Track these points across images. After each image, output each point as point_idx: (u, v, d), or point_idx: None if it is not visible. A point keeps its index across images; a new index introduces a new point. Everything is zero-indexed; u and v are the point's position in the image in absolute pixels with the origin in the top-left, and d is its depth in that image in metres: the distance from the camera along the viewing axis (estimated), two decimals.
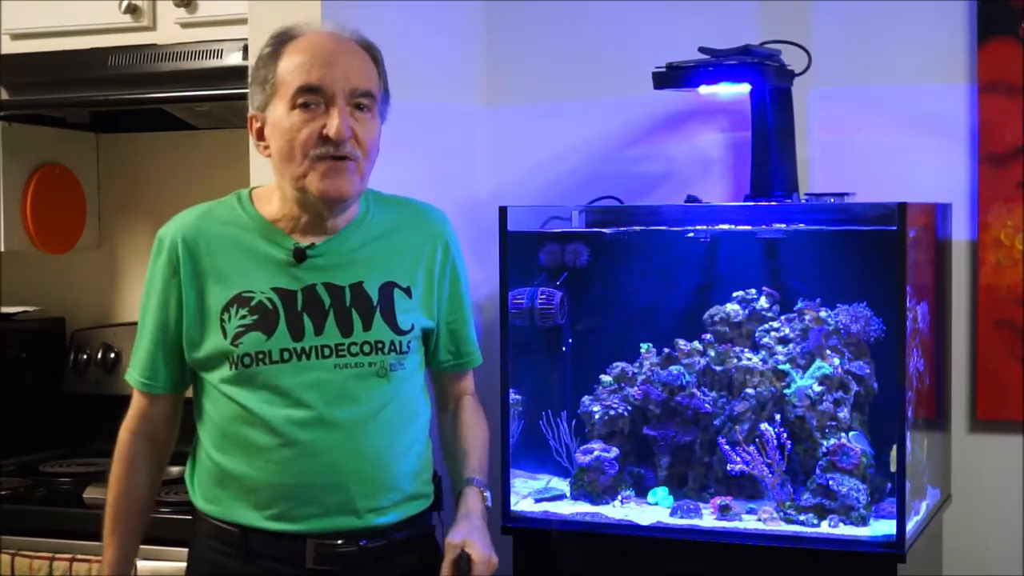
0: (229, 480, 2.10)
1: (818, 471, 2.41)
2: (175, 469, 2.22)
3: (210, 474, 2.13)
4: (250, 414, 2.07)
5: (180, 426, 2.24)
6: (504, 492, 2.53)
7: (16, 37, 2.98)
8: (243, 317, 2.08)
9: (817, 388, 2.47)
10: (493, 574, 2.11)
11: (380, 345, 2.11)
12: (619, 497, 2.57)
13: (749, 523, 2.42)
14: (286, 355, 2.07)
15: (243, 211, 2.16)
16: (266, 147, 2.10)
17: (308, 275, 2.11)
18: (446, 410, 2.34)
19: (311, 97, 2.04)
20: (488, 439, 2.33)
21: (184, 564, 2.21)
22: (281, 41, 2.09)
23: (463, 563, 2.08)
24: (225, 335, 2.08)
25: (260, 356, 2.07)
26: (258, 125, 2.11)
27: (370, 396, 2.10)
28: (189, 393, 2.21)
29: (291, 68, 2.05)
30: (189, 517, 2.20)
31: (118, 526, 2.19)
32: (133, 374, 2.19)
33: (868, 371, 2.52)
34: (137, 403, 2.21)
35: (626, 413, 2.62)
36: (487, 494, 2.21)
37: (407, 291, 2.16)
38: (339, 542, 2.08)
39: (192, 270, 2.11)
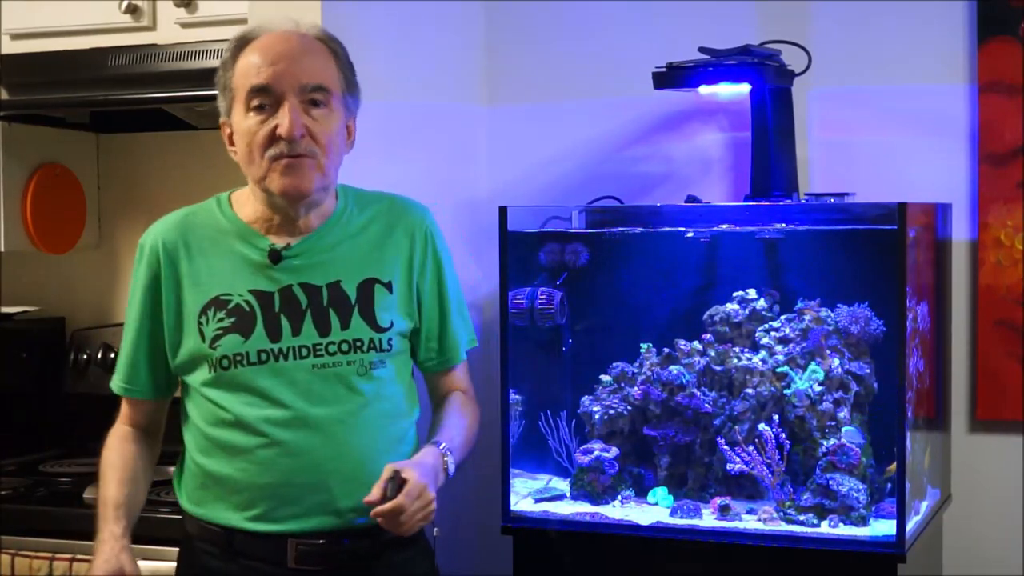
0: (212, 482, 2.10)
1: (818, 471, 2.41)
2: (171, 469, 2.22)
3: (194, 477, 2.13)
4: (230, 416, 2.07)
5: (166, 430, 2.25)
6: (504, 492, 2.53)
7: (16, 37, 2.98)
8: (220, 320, 2.09)
9: (817, 388, 2.47)
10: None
11: (359, 343, 2.11)
12: (619, 497, 2.56)
13: (749, 523, 2.42)
14: (264, 356, 2.07)
15: (221, 214, 2.17)
16: (236, 152, 2.12)
17: (285, 276, 2.11)
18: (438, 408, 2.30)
19: (263, 98, 2.05)
20: (471, 428, 2.24)
21: None
22: (238, 46, 2.10)
23: (393, 485, 1.97)
24: (203, 338, 2.09)
25: (238, 358, 2.07)
26: (228, 131, 2.13)
27: (350, 395, 2.09)
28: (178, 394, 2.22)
29: (243, 71, 2.07)
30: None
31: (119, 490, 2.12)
32: (116, 380, 2.21)
33: (868, 371, 2.52)
34: (122, 411, 2.23)
35: (626, 413, 2.62)
36: (449, 459, 2.11)
37: (388, 285, 2.15)
38: (321, 542, 2.07)
39: (172, 275, 2.13)
